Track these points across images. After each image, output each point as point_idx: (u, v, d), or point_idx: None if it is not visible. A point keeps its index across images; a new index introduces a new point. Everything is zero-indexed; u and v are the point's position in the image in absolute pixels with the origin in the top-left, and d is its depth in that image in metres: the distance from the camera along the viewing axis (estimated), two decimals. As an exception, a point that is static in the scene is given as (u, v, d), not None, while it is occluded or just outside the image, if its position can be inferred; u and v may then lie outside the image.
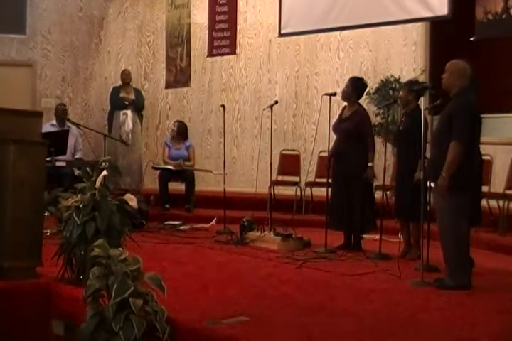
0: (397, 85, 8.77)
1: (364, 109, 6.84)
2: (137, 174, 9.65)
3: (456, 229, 4.83)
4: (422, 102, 6.05)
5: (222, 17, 10.03)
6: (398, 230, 6.43)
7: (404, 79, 8.28)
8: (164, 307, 3.68)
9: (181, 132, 9.38)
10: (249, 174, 10.11)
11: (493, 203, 7.24)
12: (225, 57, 10.38)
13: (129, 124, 9.63)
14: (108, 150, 8.60)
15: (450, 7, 7.46)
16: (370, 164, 6.49)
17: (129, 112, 9.66)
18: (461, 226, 4.85)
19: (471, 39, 8.35)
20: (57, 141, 7.80)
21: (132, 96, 9.78)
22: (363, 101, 7.57)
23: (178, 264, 5.77)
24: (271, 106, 7.57)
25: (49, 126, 8.79)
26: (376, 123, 8.66)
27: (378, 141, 8.46)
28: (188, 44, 10.53)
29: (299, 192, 8.91)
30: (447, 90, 5.05)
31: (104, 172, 4.70)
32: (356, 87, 6.74)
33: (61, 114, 9.08)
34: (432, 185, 4.96)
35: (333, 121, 6.73)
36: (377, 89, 9.06)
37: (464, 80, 4.97)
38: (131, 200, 7.02)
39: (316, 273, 5.47)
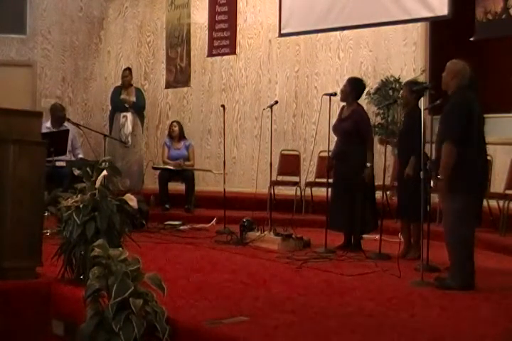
0: (397, 85, 8.77)
1: (362, 108, 6.84)
2: (138, 175, 9.59)
3: (458, 231, 4.81)
4: (422, 102, 6.05)
5: (222, 17, 10.04)
6: (398, 230, 6.43)
7: (404, 79, 8.27)
8: (164, 307, 3.68)
9: (181, 132, 9.40)
10: (249, 174, 10.11)
11: (493, 203, 7.23)
12: (225, 57, 10.38)
13: (128, 127, 9.50)
14: (108, 151, 8.55)
15: (450, 7, 7.46)
16: (368, 164, 6.49)
17: (128, 115, 9.45)
18: (463, 228, 4.82)
19: (471, 39, 8.35)
20: (57, 141, 7.75)
21: (133, 98, 9.49)
22: (363, 101, 7.57)
23: (178, 264, 5.77)
24: (271, 106, 7.57)
25: (44, 128, 8.46)
26: (376, 124, 8.66)
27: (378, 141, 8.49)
28: (188, 44, 10.54)
29: (298, 192, 8.91)
30: (445, 89, 5.06)
31: (104, 173, 4.70)
32: (354, 86, 6.75)
33: (56, 114, 8.64)
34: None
35: (333, 121, 6.74)
36: (377, 89, 9.06)
37: (460, 81, 4.94)
38: (131, 200, 7.01)
39: (316, 273, 5.47)
